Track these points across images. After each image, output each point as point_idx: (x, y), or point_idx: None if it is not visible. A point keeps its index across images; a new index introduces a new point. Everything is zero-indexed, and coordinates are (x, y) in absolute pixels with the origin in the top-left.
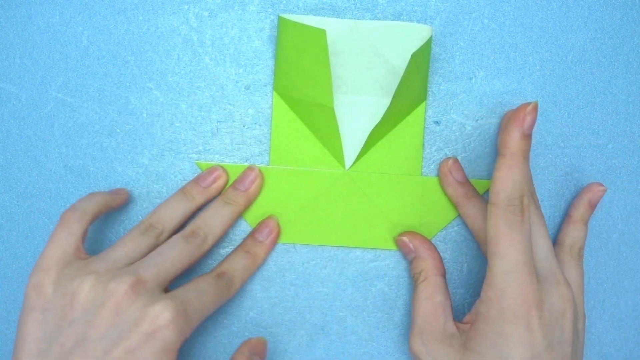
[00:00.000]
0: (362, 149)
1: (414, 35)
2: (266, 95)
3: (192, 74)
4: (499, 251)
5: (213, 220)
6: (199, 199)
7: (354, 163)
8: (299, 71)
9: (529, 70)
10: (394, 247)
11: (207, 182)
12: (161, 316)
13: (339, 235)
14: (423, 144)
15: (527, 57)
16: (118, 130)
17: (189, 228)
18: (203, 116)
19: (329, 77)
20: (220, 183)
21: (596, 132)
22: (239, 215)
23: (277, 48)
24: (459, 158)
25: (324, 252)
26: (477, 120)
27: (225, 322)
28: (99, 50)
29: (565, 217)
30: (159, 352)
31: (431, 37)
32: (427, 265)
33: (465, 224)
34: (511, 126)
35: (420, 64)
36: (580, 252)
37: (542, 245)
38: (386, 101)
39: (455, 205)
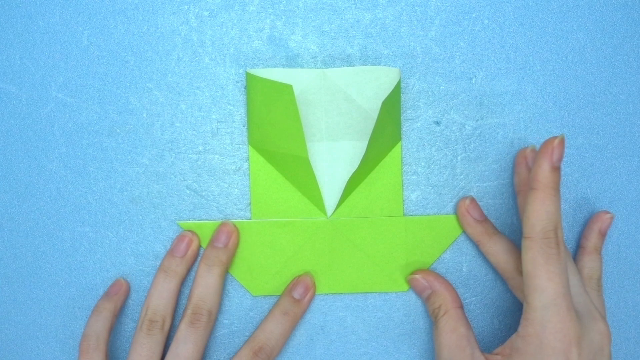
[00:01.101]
0: (342, 195)
1: (383, 78)
2: None
3: (192, 74)
4: (538, 284)
5: (206, 292)
6: (181, 270)
7: (335, 210)
8: (271, 124)
9: (529, 70)
10: (382, 290)
11: (182, 251)
12: None
13: (326, 283)
14: (402, 185)
15: (527, 57)
16: (118, 130)
17: (189, 312)
18: (203, 116)
19: (301, 129)
20: (194, 247)
21: (596, 132)
22: (226, 272)
23: (247, 102)
24: (458, 158)
25: None
26: (477, 120)
27: (225, 322)
28: (99, 50)
29: (579, 248)
30: None
31: (400, 79)
32: (445, 299)
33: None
34: (541, 159)
35: (392, 107)
36: (599, 283)
37: (574, 280)
38: (362, 144)
39: (476, 244)
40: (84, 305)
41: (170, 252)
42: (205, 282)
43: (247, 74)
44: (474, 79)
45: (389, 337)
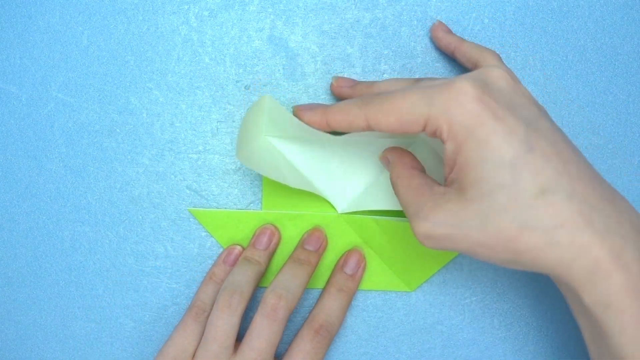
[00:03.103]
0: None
1: None
2: (266, 95)
3: (192, 74)
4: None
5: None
6: (263, 261)
7: (346, 206)
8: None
9: (529, 70)
10: (388, 289)
11: (264, 244)
12: None
13: None
14: None
15: (527, 57)
16: (118, 130)
17: (268, 301)
18: (203, 116)
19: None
20: (276, 240)
21: (596, 132)
22: (312, 273)
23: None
24: None
25: None
26: None
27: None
28: (99, 50)
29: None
30: None
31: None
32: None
33: None
34: None
35: None
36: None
37: None
38: (379, 141)
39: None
40: (84, 305)
41: (252, 244)
42: (292, 275)
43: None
44: None
45: (389, 337)
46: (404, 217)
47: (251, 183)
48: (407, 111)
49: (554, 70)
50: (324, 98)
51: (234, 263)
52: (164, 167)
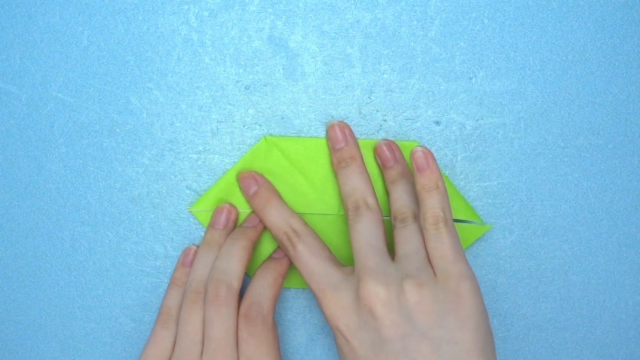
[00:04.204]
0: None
1: None
2: (266, 95)
3: (192, 74)
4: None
5: (227, 266)
6: (223, 241)
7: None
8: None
9: (529, 70)
10: None
11: (222, 223)
12: None
13: None
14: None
15: (527, 57)
16: (118, 130)
17: (211, 290)
18: (203, 116)
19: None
20: (233, 217)
21: (596, 132)
22: (251, 250)
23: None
24: (458, 158)
25: None
26: (477, 120)
27: None
28: (99, 50)
29: None
30: None
31: None
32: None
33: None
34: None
35: None
36: (435, 220)
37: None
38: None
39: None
40: (84, 305)
41: (211, 225)
42: (228, 255)
43: None
44: (474, 79)
45: None
46: None
47: None
48: (317, 282)
49: (554, 70)
50: (324, 98)
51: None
52: (164, 167)
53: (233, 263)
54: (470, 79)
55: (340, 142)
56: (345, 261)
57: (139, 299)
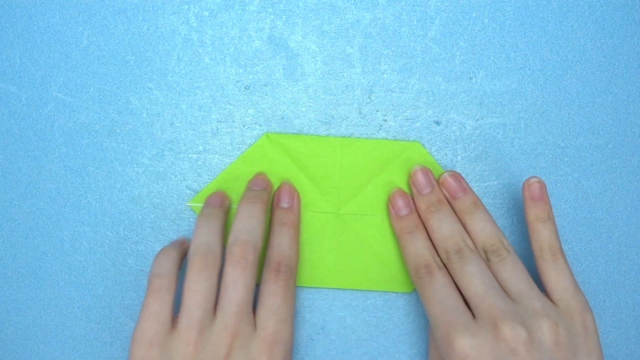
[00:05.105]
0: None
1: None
2: (266, 95)
3: (192, 74)
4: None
5: (250, 227)
6: (222, 216)
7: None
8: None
9: (529, 70)
10: (386, 289)
11: (217, 202)
12: (260, 359)
13: (331, 277)
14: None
15: (527, 57)
16: (118, 130)
17: (235, 252)
18: (203, 116)
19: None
20: (227, 203)
21: (596, 132)
22: (265, 212)
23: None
24: (458, 158)
25: None
26: (477, 120)
27: None
28: (99, 50)
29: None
30: None
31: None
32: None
33: None
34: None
35: None
36: (553, 252)
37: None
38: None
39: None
40: (84, 305)
41: (207, 204)
42: (249, 216)
43: None
44: (474, 79)
45: (389, 337)
46: None
47: None
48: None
49: (554, 70)
50: (324, 98)
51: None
52: (164, 167)
53: (255, 225)
54: (470, 79)
55: (426, 187)
56: (346, 261)
57: (139, 299)
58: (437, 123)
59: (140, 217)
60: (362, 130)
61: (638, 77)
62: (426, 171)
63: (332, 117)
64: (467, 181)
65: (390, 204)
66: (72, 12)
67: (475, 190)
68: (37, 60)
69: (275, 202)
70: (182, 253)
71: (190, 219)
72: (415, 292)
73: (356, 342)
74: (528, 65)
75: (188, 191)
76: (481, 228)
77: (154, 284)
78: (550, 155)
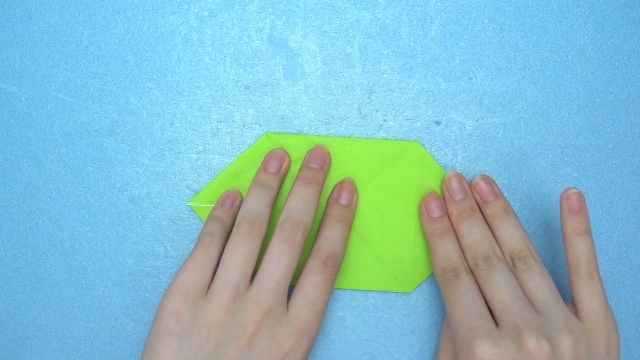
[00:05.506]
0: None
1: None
2: (266, 95)
3: (192, 74)
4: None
5: (305, 207)
6: (276, 185)
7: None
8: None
9: (529, 70)
10: (386, 289)
11: (275, 167)
12: (285, 344)
13: None
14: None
15: (527, 57)
16: (118, 130)
17: (286, 227)
18: (203, 116)
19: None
20: (287, 164)
21: (596, 132)
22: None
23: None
24: (458, 158)
25: None
26: (477, 120)
27: None
28: (99, 50)
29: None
30: None
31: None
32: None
33: None
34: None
35: None
36: (589, 269)
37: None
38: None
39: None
40: (84, 305)
41: (263, 168)
42: (303, 197)
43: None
44: (474, 79)
45: (389, 337)
46: (403, 216)
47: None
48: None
49: (554, 70)
50: (324, 98)
51: (232, 205)
52: (164, 167)
53: (309, 208)
54: (470, 79)
55: (459, 193)
56: (346, 261)
57: (139, 299)
58: (437, 123)
59: (140, 217)
60: (362, 130)
61: (638, 77)
62: (460, 178)
63: (332, 117)
64: (467, 181)
65: (423, 205)
66: (72, 12)
67: None
68: (37, 60)
69: (334, 195)
70: (232, 220)
71: (190, 219)
72: (415, 292)
73: (356, 342)
74: (528, 65)
75: (188, 191)
76: (510, 234)
77: (204, 240)
78: (550, 155)
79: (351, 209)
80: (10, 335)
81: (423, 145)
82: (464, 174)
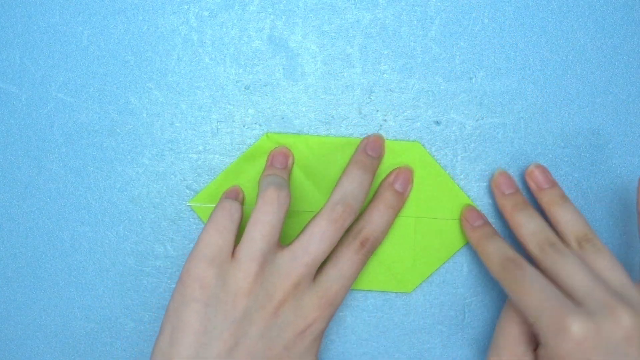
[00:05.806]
0: None
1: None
2: (266, 95)
3: (192, 74)
4: None
5: (358, 192)
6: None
7: None
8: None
9: (529, 70)
10: (386, 289)
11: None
12: (310, 315)
13: None
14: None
15: (527, 57)
16: (118, 130)
17: (338, 208)
18: (203, 116)
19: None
20: (291, 161)
21: (596, 132)
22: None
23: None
24: (458, 158)
25: None
26: (477, 120)
27: None
28: (99, 50)
29: None
30: (311, 343)
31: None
32: None
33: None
34: None
35: None
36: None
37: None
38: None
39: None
40: (84, 305)
41: (270, 164)
42: (360, 183)
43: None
44: (474, 79)
45: (389, 337)
46: (405, 215)
47: None
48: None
49: (554, 70)
50: (324, 98)
51: (236, 199)
52: (164, 167)
53: (363, 194)
54: (470, 79)
55: (510, 187)
56: None
57: (139, 299)
58: (437, 123)
59: (140, 217)
60: (362, 130)
61: (638, 77)
62: (507, 174)
63: (332, 117)
64: (467, 181)
65: (463, 217)
66: (72, 12)
67: (475, 190)
68: (37, 60)
69: (390, 179)
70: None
71: (191, 219)
72: (415, 292)
73: (356, 342)
74: (528, 65)
75: (188, 191)
76: (573, 218)
77: (224, 203)
78: (550, 155)
79: (403, 198)
80: (10, 335)
81: (423, 145)
82: (463, 174)
